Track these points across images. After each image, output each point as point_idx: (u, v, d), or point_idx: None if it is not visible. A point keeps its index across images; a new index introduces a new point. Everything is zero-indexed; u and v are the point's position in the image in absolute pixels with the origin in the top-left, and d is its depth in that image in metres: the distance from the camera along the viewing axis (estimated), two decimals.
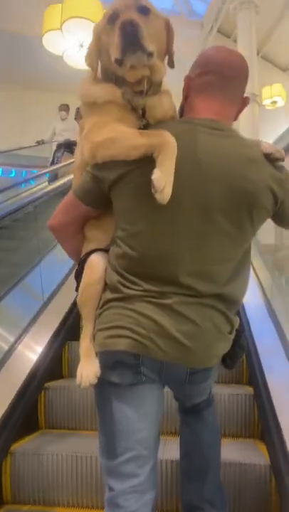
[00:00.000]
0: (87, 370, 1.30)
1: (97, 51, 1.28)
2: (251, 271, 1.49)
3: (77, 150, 1.44)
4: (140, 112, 1.29)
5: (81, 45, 8.18)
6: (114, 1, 1.23)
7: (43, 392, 2.61)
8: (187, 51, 13.14)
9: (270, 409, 2.10)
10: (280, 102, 12.67)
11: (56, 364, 2.99)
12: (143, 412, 1.28)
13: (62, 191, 5.05)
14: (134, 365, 1.25)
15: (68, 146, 8.94)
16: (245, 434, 2.40)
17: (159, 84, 1.31)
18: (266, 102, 12.46)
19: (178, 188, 1.17)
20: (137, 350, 1.23)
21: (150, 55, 1.19)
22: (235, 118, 1.42)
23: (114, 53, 1.18)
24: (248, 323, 2.96)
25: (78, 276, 1.42)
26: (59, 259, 3.73)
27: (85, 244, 1.46)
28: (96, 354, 1.31)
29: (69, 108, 9.30)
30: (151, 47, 1.18)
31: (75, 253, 1.49)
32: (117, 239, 1.32)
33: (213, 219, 1.25)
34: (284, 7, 12.27)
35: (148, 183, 1.16)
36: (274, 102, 12.54)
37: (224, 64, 1.34)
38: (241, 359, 1.72)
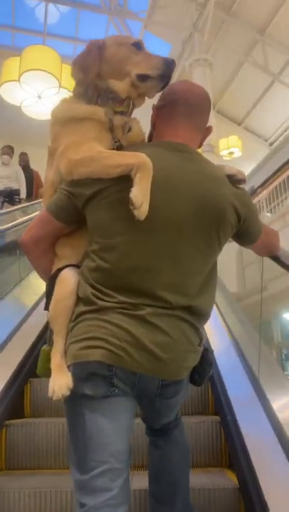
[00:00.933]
0: (59, 381, 1.30)
1: (98, 66, 1.40)
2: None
3: (47, 168, 1.51)
4: (122, 131, 1.41)
5: (39, 97, 8.36)
6: (126, 35, 1.51)
7: (3, 430, 2.50)
8: (144, 105, 13.79)
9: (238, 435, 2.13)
10: (237, 153, 13.71)
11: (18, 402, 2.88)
12: (116, 425, 1.28)
13: None
14: (107, 377, 1.26)
15: (9, 196, 7.92)
16: (213, 462, 2.40)
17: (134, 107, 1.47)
18: (223, 152, 13.52)
19: (152, 204, 1.25)
20: (111, 361, 1.25)
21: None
22: (200, 145, 1.53)
23: (146, 70, 1.38)
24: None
25: (49, 294, 1.45)
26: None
27: (55, 262, 1.49)
28: (68, 367, 1.32)
29: (13, 151, 8.40)
30: None
31: (46, 270, 1.51)
32: (91, 253, 1.36)
33: (184, 233, 1.33)
34: (237, 65, 13.25)
35: (124, 199, 1.24)
36: (231, 153, 13.59)
37: (189, 92, 1.48)
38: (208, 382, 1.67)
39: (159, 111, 1.49)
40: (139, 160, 1.26)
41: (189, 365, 1.40)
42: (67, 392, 1.27)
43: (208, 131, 1.53)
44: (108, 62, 1.40)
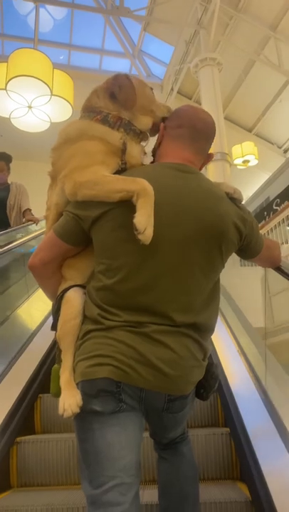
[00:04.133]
0: (69, 400, 1.35)
1: (136, 100, 1.53)
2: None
3: (49, 191, 1.61)
4: (137, 159, 1.54)
5: (29, 106, 7.58)
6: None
7: (15, 447, 2.55)
8: None
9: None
10: (253, 161, 12.40)
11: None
12: (125, 439, 1.33)
13: None
14: (115, 393, 1.32)
15: None
16: (225, 475, 2.42)
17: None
18: (238, 161, 12.26)
19: (156, 225, 1.32)
20: (119, 378, 1.31)
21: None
22: (200, 169, 1.61)
23: (165, 113, 1.63)
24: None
25: (56, 313, 1.52)
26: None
27: (61, 283, 1.56)
28: (77, 384, 1.37)
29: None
30: None
31: (53, 292, 1.57)
32: (98, 273, 1.44)
33: (188, 253, 1.40)
34: (247, 65, 12.28)
35: (127, 221, 1.31)
36: (246, 161, 12.29)
37: (196, 118, 1.58)
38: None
39: (166, 131, 1.59)
40: (140, 186, 1.32)
41: (195, 380, 1.46)
42: (77, 410, 1.33)
43: (209, 157, 1.63)
44: (139, 98, 1.52)
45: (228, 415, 2.66)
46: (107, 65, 13.82)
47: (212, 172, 9.59)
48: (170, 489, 1.67)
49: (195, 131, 1.56)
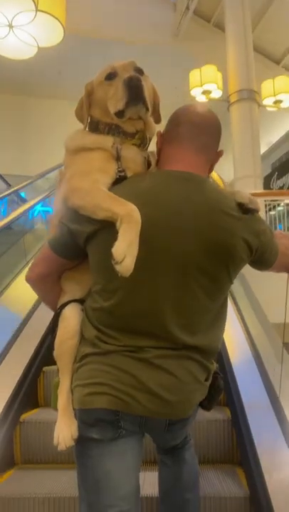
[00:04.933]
0: (64, 432, 1.36)
1: (88, 106, 1.46)
2: None
3: (56, 195, 1.56)
4: (138, 165, 1.45)
5: (10, 26, 6.27)
6: (110, 63, 1.43)
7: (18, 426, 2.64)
8: (157, 38, 11.45)
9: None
10: (287, 101, 10.07)
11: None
12: (124, 467, 1.34)
13: None
14: (114, 421, 1.30)
15: None
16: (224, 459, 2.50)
17: (150, 140, 1.50)
18: (268, 101, 10.02)
19: (154, 242, 1.28)
20: (117, 407, 1.29)
21: (147, 109, 1.40)
22: (210, 170, 1.50)
23: (116, 105, 1.37)
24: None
25: (53, 329, 1.50)
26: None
27: (61, 296, 1.53)
28: (74, 410, 1.37)
29: None
30: (148, 102, 1.39)
31: (53, 304, 1.56)
32: (94, 293, 1.39)
33: (190, 273, 1.32)
34: None
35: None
36: (278, 102, 9.97)
37: (192, 113, 1.46)
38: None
39: (163, 136, 1.49)
40: (125, 211, 1.25)
41: (196, 402, 1.43)
42: (72, 443, 1.34)
43: (218, 155, 1.50)
44: (97, 105, 1.45)
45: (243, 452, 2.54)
46: None
47: (236, 116, 8.64)
48: (171, 497, 1.71)
49: (193, 127, 1.43)
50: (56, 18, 6.31)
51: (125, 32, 11.18)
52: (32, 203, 6.50)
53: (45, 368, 3.23)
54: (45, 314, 3.43)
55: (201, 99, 9.68)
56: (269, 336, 3.26)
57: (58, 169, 7.67)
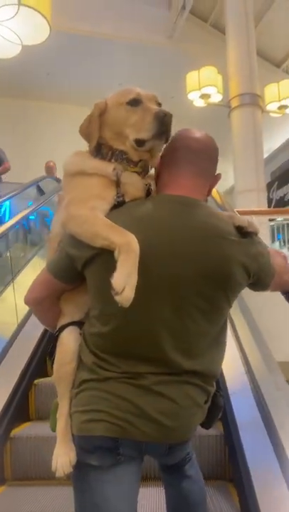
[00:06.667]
0: (62, 458, 1.39)
1: (99, 125, 1.46)
2: None
3: (55, 218, 1.61)
4: (139, 191, 1.47)
5: None
6: (130, 87, 1.48)
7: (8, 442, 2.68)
8: (151, 38, 10.98)
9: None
10: None
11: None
12: (122, 493, 1.36)
13: None
14: (113, 448, 1.33)
15: None
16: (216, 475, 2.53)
17: (152, 168, 1.55)
18: (271, 106, 9.68)
19: (150, 268, 1.30)
20: (116, 434, 1.32)
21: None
22: (208, 194, 1.56)
23: (140, 134, 1.40)
24: None
25: (51, 353, 1.53)
26: None
27: (60, 319, 1.57)
28: (73, 436, 1.41)
29: None
30: None
31: (51, 325, 1.60)
32: (92, 317, 1.43)
33: (187, 297, 1.36)
34: None
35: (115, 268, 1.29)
36: (283, 107, 9.62)
37: (190, 139, 1.52)
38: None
39: (161, 160, 1.54)
40: (124, 240, 1.29)
41: (196, 425, 1.48)
42: (70, 470, 1.38)
43: (216, 179, 1.57)
44: (110, 127, 1.46)
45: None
46: None
47: (238, 123, 8.31)
48: None
49: (190, 152, 1.49)
50: (41, 14, 5.80)
51: (116, 30, 11.00)
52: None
53: (36, 381, 3.26)
54: (36, 327, 3.58)
55: (199, 103, 9.21)
56: (262, 353, 3.15)
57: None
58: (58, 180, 7.98)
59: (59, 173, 7.84)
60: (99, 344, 1.38)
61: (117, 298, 1.22)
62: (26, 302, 1.55)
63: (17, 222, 5.24)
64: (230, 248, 1.39)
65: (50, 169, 9.26)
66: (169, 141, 1.49)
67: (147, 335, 1.34)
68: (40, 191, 7.32)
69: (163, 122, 1.39)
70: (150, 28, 11.35)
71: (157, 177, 1.55)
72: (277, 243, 9.41)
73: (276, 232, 9.04)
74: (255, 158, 8.05)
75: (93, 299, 1.43)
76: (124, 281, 1.23)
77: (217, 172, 1.56)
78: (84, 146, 1.52)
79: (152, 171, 1.56)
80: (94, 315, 1.41)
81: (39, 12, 5.89)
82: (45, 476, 2.55)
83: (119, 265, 1.25)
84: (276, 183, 12.89)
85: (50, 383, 1.74)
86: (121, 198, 1.42)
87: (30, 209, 5.65)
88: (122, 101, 1.44)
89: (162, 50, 11.55)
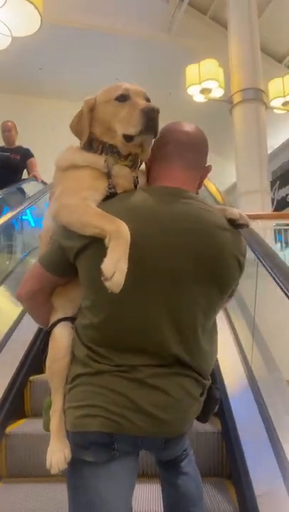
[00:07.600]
0: (57, 455, 1.41)
1: (90, 121, 1.52)
2: None
3: (47, 214, 1.63)
4: (128, 183, 1.50)
5: None
6: (119, 83, 1.51)
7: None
8: (148, 31, 10.75)
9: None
10: None
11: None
12: (118, 489, 1.38)
13: None
14: (108, 444, 1.35)
15: None
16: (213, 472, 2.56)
17: (142, 162, 1.59)
18: (276, 102, 9.36)
19: (142, 258, 1.34)
20: (111, 429, 1.33)
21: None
22: (199, 186, 1.62)
23: (128, 129, 1.44)
24: None
25: (44, 349, 1.56)
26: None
27: (52, 314, 1.59)
28: (67, 432, 1.43)
29: None
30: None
31: (44, 321, 1.62)
32: (84, 309, 1.46)
33: (180, 287, 1.39)
34: None
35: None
36: (287, 103, 9.28)
37: (179, 132, 1.57)
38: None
39: (152, 154, 1.58)
40: (114, 227, 1.32)
41: (192, 418, 1.51)
42: (65, 466, 1.40)
43: (206, 170, 1.62)
44: (100, 123, 1.51)
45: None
46: None
47: (240, 119, 8.03)
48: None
49: (180, 145, 1.55)
50: (31, 3, 5.50)
51: (112, 23, 10.78)
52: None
53: (31, 378, 3.29)
54: (32, 323, 3.62)
55: (199, 99, 8.92)
56: (261, 351, 3.23)
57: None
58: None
59: (51, 169, 7.50)
60: (91, 336, 1.40)
61: (107, 283, 1.24)
62: (18, 297, 1.57)
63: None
64: (224, 239, 1.44)
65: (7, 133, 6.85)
66: (159, 135, 1.53)
67: (141, 325, 1.37)
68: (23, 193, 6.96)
69: (150, 117, 1.42)
70: (147, 20, 11.24)
71: (148, 171, 1.61)
72: (278, 244, 9.25)
73: (277, 233, 8.85)
74: (258, 157, 7.76)
75: (85, 288, 1.46)
76: (114, 267, 1.25)
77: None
78: (77, 141, 1.55)
79: (143, 166, 1.60)
80: (86, 305, 1.44)
81: (29, 1, 5.65)
82: (40, 473, 2.55)
83: (109, 251, 1.28)
84: (278, 182, 12.73)
85: (45, 380, 1.60)
86: (113, 190, 1.47)
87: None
88: (111, 97, 1.49)
89: (160, 44, 11.41)
